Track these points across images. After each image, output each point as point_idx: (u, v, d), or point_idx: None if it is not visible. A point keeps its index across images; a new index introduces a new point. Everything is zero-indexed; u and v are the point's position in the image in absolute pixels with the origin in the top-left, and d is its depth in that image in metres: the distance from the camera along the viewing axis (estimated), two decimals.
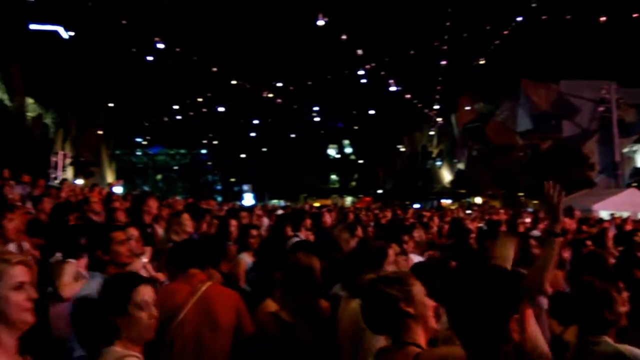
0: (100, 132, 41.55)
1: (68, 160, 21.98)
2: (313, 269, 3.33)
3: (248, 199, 46.28)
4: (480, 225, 10.45)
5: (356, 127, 46.82)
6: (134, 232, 4.10)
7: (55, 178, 19.51)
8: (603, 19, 22.90)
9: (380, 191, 51.73)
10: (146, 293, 2.26)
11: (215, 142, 56.58)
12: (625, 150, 39.42)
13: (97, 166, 35.03)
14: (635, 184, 35.02)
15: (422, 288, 2.16)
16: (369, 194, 52.26)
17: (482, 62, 33.46)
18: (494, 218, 13.07)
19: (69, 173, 23.50)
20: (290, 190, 50.71)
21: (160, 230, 5.64)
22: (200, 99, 36.05)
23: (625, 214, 19.06)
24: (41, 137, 30.74)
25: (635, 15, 23.30)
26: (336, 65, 34.67)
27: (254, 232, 5.66)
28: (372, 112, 42.59)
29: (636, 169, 42.09)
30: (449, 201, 45.10)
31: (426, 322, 2.11)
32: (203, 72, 28.05)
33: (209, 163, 62.05)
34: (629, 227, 11.73)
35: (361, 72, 30.37)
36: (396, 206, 33.78)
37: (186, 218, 5.15)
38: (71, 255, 3.90)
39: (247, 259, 5.25)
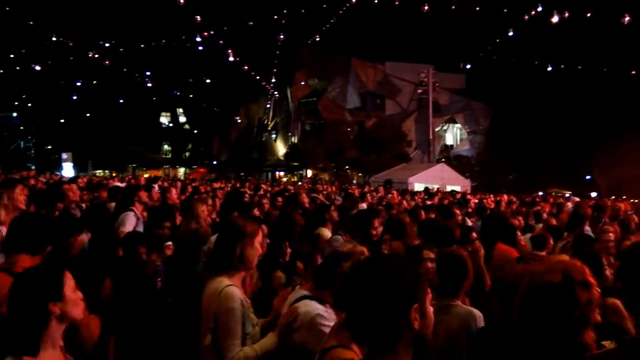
0: None
1: None
2: None
3: (68, 169, 42.30)
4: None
5: (191, 96, 45.31)
6: None
7: None
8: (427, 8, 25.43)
9: (214, 162, 51.26)
10: None
11: (29, 105, 50.54)
12: (437, 129, 44.38)
13: None
14: (443, 160, 39.79)
15: None
16: (203, 164, 51.48)
17: (317, 39, 34.67)
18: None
19: None
20: (117, 160, 47.54)
21: None
22: (12, 56, 31.62)
23: (435, 186, 21.67)
24: None
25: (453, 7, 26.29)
26: (172, 30, 33.06)
27: None
28: (208, 81, 41.74)
29: (445, 146, 47.75)
30: (282, 173, 46.55)
31: None
32: (17, 25, 24.65)
33: (22, 128, 55.38)
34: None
35: (198, 39, 29.41)
36: (233, 179, 33.87)
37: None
38: None
39: None
